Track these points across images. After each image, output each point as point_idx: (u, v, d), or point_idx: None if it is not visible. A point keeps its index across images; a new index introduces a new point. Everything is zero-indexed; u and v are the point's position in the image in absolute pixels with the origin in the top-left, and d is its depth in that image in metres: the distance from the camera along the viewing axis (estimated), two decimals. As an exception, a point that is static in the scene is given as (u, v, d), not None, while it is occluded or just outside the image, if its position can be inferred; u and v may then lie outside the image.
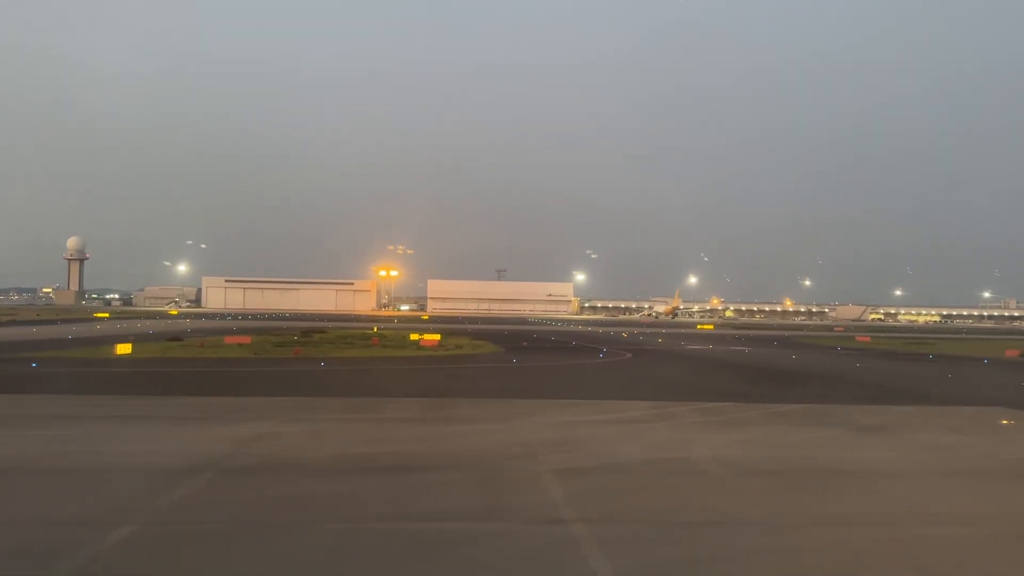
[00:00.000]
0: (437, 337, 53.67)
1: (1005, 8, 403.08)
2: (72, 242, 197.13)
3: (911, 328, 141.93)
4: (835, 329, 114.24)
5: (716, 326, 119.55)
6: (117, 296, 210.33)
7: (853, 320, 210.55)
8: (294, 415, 16.92)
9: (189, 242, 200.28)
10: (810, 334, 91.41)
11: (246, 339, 44.90)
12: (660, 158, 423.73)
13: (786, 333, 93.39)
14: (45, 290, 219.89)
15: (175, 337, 47.48)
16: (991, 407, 21.53)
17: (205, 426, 15.10)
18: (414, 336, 53.55)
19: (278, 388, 23.59)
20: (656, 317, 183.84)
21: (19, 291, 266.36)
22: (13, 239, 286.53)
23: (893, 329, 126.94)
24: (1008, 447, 15.05)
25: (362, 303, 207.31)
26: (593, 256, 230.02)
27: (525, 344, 52.94)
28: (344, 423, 16.23)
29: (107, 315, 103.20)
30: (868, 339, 74.63)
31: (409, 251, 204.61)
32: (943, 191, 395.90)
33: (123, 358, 33.02)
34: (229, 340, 44.28)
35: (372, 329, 68.77)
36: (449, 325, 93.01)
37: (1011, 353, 48.94)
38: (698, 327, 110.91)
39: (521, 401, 20.87)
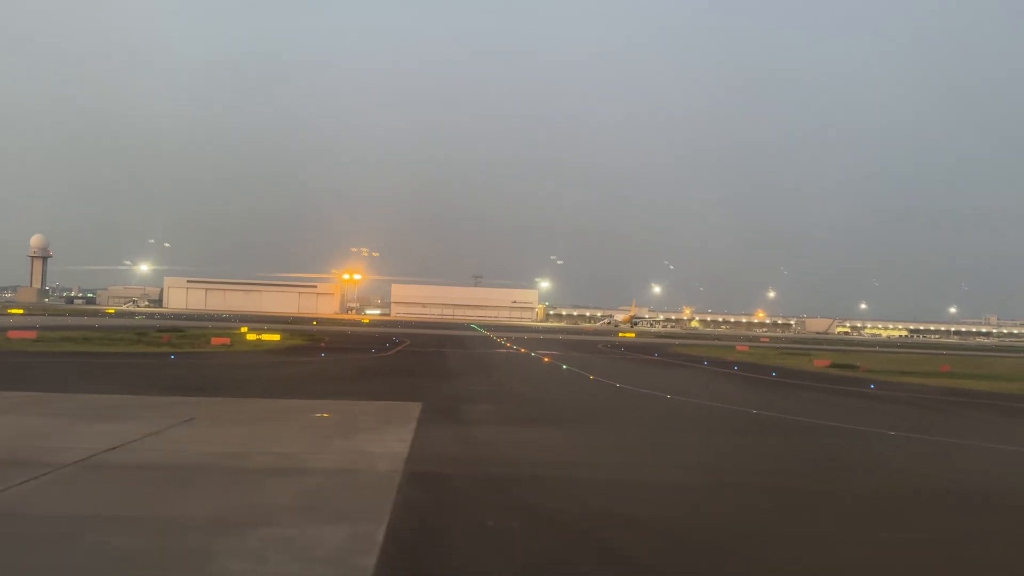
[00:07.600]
0: (276, 337, 56.20)
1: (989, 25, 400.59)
2: (36, 240, 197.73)
3: (844, 341, 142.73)
4: (762, 340, 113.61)
5: (641, 335, 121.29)
6: (80, 295, 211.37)
7: (819, 333, 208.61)
8: None
9: (151, 241, 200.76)
10: (711, 343, 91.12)
11: (31, 334, 44.59)
12: (645, 167, 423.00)
13: (691, 342, 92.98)
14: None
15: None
16: (407, 402, 20.06)
17: None
18: (251, 336, 56.31)
19: None
20: (616, 326, 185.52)
21: (14, 289, 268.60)
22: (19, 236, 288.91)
23: (818, 341, 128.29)
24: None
25: (325, 306, 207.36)
26: (559, 262, 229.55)
27: (323, 343, 52.84)
28: None
29: (21, 311, 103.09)
30: (747, 348, 73.84)
31: (374, 254, 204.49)
32: (937, 208, 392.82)
33: None
34: (12, 335, 44.06)
35: (241, 329, 68.25)
36: (366, 328, 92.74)
37: (820, 363, 47.53)
38: (620, 335, 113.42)
39: None
